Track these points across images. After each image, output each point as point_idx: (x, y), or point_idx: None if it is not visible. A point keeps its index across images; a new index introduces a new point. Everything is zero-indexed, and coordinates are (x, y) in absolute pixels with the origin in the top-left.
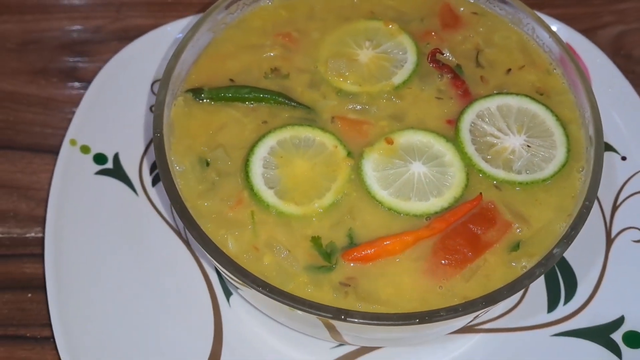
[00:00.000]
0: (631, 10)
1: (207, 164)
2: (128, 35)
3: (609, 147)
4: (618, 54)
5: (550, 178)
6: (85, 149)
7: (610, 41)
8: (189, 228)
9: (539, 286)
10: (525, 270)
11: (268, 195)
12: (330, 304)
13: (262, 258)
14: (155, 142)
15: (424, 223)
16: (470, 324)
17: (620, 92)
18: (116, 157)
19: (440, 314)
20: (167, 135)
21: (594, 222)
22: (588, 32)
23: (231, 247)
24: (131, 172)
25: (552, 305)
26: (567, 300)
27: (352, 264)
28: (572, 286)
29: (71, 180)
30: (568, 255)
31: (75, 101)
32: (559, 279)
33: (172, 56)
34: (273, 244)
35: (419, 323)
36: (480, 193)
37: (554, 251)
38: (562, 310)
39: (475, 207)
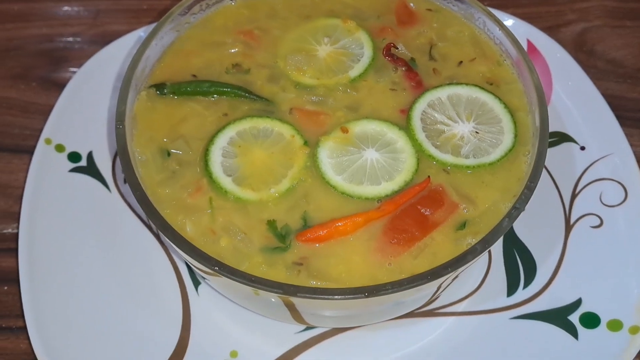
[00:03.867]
0: (593, 9)
1: (169, 154)
2: (104, 41)
3: (568, 138)
4: (581, 50)
5: (497, 162)
6: (60, 148)
7: (573, 38)
8: (147, 213)
9: (498, 271)
10: (470, 246)
11: (226, 182)
12: (284, 282)
13: (218, 241)
14: (117, 133)
15: (375, 206)
16: (431, 307)
17: (579, 85)
18: (90, 156)
19: (386, 288)
20: (130, 128)
21: (553, 209)
22: (552, 30)
23: (189, 230)
24: (104, 169)
25: (511, 289)
26: (526, 285)
27: (305, 245)
28: (531, 271)
29: (46, 177)
30: (528, 241)
31: (53, 104)
32: (519, 264)
33: (135, 53)
34: (230, 228)
35: (366, 297)
36: (428, 176)
37: (497, 228)
38: (521, 294)
39: (423, 189)
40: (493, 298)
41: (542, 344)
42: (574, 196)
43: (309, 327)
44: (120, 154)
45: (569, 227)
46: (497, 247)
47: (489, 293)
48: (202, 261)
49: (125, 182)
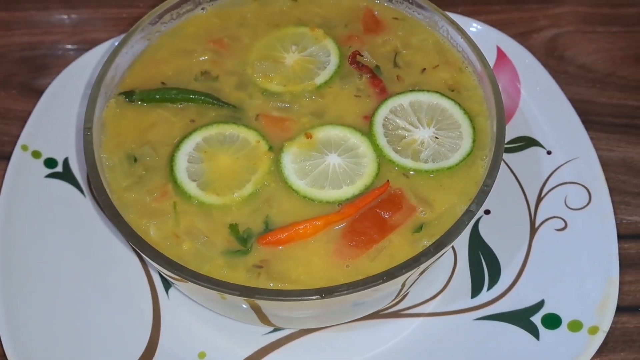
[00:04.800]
0: (565, 14)
1: (135, 159)
2: (84, 48)
3: (535, 142)
4: (551, 55)
5: (455, 166)
6: (36, 154)
7: (544, 44)
8: (110, 217)
9: (463, 273)
10: (424, 248)
11: (191, 187)
12: (243, 284)
13: (181, 244)
14: (84, 139)
15: (336, 209)
16: (396, 309)
17: (547, 91)
18: (66, 162)
19: (341, 289)
20: (99, 134)
21: (519, 212)
22: (524, 36)
23: (153, 234)
24: (80, 175)
25: (475, 291)
26: (490, 286)
27: (266, 248)
28: (495, 273)
29: (22, 183)
30: (493, 243)
31: (32, 111)
32: (483, 266)
33: (105, 62)
34: (193, 232)
35: (322, 298)
36: (388, 180)
37: (451, 230)
38: (485, 295)
39: (383, 193)
40: (458, 299)
41: (504, 344)
42: (539, 199)
43: (277, 329)
44: (86, 159)
45: (533, 230)
46: (463, 249)
47: (454, 294)
48: (163, 264)
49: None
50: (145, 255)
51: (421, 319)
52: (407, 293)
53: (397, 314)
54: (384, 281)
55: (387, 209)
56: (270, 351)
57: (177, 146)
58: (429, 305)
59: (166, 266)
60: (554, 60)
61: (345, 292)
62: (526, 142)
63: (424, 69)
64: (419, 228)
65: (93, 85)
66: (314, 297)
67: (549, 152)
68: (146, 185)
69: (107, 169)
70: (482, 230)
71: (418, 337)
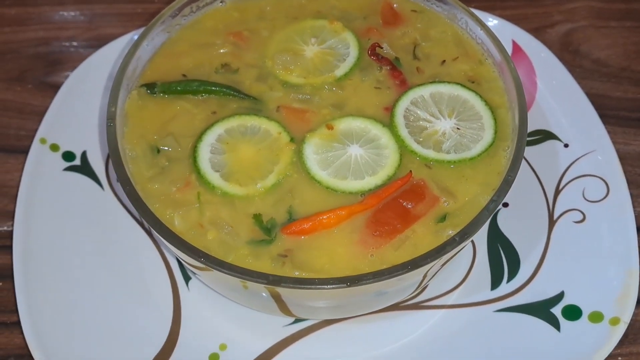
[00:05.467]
0: (579, 9)
1: (158, 150)
2: (99, 44)
3: (552, 136)
4: (566, 50)
5: (477, 157)
6: (54, 147)
7: (559, 38)
8: (136, 207)
9: (482, 265)
10: (449, 238)
11: (214, 177)
12: (268, 273)
13: (206, 234)
14: (108, 130)
15: (359, 200)
16: (417, 301)
17: (563, 85)
18: (84, 155)
19: (367, 278)
20: (121, 126)
21: (537, 205)
22: (538, 31)
23: (177, 224)
24: (98, 168)
25: (495, 283)
26: (510, 278)
27: (290, 238)
28: (515, 265)
29: (40, 176)
30: (512, 236)
31: (48, 105)
32: (503, 258)
33: (126, 54)
34: (217, 222)
35: (348, 286)
36: (410, 171)
37: (476, 220)
38: (505, 287)
39: (405, 183)
40: (478, 291)
41: (525, 336)
42: (557, 192)
43: (297, 320)
44: (111, 150)
45: (552, 222)
46: (482, 242)
47: (474, 287)
48: (189, 254)
49: (118, 180)
50: (171, 244)
51: (442, 310)
52: (427, 285)
53: (417, 306)
54: (409, 270)
55: (410, 199)
56: (291, 342)
57: (199, 137)
58: (449, 297)
59: (192, 255)
60: (568, 55)
61: (370, 280)
62: (543, 135)
63: (444, 60)
64: (443, 218)
65: (115, 77)
66: (340, 285)
67: (566, 145)
68: (169, 176)
69: (130, 160)
70: (501, 223)
71: (439, 329)
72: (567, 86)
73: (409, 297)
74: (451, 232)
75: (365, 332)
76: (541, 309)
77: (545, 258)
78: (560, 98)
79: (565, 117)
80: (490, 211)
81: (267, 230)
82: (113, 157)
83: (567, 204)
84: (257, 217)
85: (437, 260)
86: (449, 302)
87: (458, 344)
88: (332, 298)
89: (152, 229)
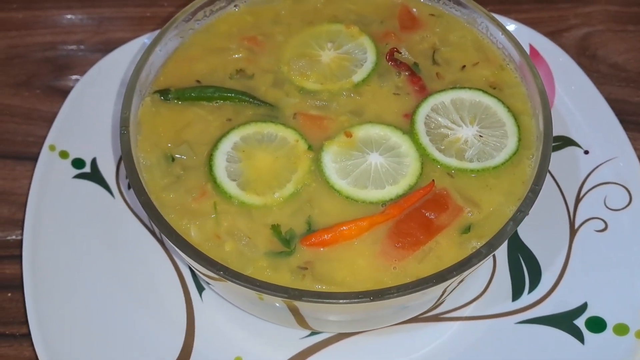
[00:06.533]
0: (596, 13)
1: (173, 159)
2: (108, 48)
3: (572, 142)
4: (583, 54)
5: (501, 165)
6: (64, 154)
7: (576, 42)
8: (152, 217)
9: (503, 276)
10: (475, 250)
11: (230, 186)
12: (288, 286)
13: (223, 245)
14: (121, 138)
15: (380, 209)
16: (436, 312)
17: (582, 89)
18: (94, 162)
19: (391, 292)
20: (134, 133)
21: (557, 213)
22: (555, 35)
23: (194, 235)
24: (108, 176)
25: (516, 294)
26: (531, 289)
27: (310, 249)
28: (536, 275)
29: (50, 183)
30: (532, 246)
31: (56, 112)
32: (524, 268)
33: (139, 59)
34: (234, 232)
35: (372, 300)
36: (433, 180)
37: (502, 231)
38: (526, 298)
39: (428, 193)
40: (498, 303)
41: (548, 348)
42: (578, 200)
43: (314, 332)
44: (125, 159)
45: (573, 231)
46: (502, 252)
47: (494, 298)
48: (207, 266)
49: (129, 188)
50: (188, 255)
51: (461, 322)
52: (446, 297)
53: (436, 318)
54: (435, 284)
55: (432, 210)
56: (307, 355)
57: (215, 145)
58: (468, 308)
59: (210, 267)
60: (585, 59)
61: (395, 294)
62: (563, 142)
63: (464, 66)
64: (467, 229)
65: (128, 83)
66: (363, 299)
67: (586, 152)
68: (184, 185)
69: (144, 169)
70: (521, 232)
71: (459, 340)
72: (586, 91)
73: (428, 308)
74: (476, 244)
75: (382, 345)
76: (564, 321)
77: (567, 268)
78: (579, 103)
79: (585, 123)
80: (517, 222)
81: (285, 241)
82: (127, 165)
83: (589, 212)
84: (275, 228)
85: (464, 273)
86: (469, 314)
87: (479, 356)
88: (354, 312)
89: (167, 239)
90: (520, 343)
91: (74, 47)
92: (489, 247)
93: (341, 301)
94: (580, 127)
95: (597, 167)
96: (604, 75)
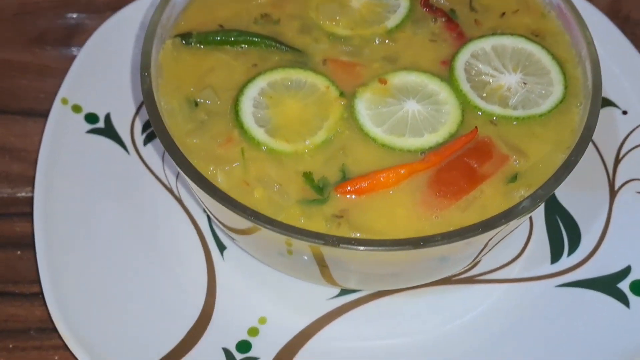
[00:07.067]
0: None
1: (196, 104)
2: (120, 5)
3: (609, 102)
4: (616, 16)
5: (547, 113)
6: (76, 108)
7: (608, 4)
8: (178, 163)
9: (540, 238)
10: (523, 199)
11: (258, 133)
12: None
13: (252, 192)
14: (142, 82)
15: (418, 158)
16: (470, 274)
17: (618, 48)
18: (107, 117)
19: (436, 239)
20: (155, 77)
21: (596, 175)
22: None
23: (221, 181)
24: (123, 131)
25: (555, 256)
26: (570, 252)
27: (345, 197)
28: (575, 238)
29: (62, 137)
30: (571, 207)
31: (68, 68)
32: (562, 231)
33: (160, 1)
34: (264, 179)
35: (416, 247)
36: (476, 127)
37: (553, 178)
38: (566, 261)
39: (470, 141)
40: (536, 266)
41: (592, 312)
42: (617, 161)
43: (341, 294)
44: (146, 101)
45: (613, 193)
46: (539, 214)
47: (532, 260)
48: (238, 212)
49: (145, 144)
50: (218, 201)
51: (498, 284)
52: (481, 258)
53: (471, 280)
54: (481, 232)
55: (476, 158)
56: (336, 316)
57: (240, 91)
58: (504, 271)
59: (242, 213)
60: (618, 21)
61: (440, 242)
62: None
63: (503, 13)
64: (514, 178)
65: (149, 24)
66: (408, 247)
67: (624, 112)
68: (209, 131)
69: (166, 113)
70: (559, 195)
71: (495, 303)
72: (624, 50)
73: (462, 270)
74: (524, 193)
75: (417, 307)
76: (607, 284)
77: (608, 230)
78: (616, 62)
79: (624, 82)
80: (569, 169)
81: (319, 189)
82: (149, 108)
83: (629, 173)
84: (307, 176)
85: (512, 222)
86: (505, 276)
87: (519, 320)
88: (392, 264)
89: (193, 187)
90: (561, 306)
91: (85, 3)
92: (540, 195)
93: (383, 248)
94: (617, 86)
95: (636, 127)
96: (638, 38)
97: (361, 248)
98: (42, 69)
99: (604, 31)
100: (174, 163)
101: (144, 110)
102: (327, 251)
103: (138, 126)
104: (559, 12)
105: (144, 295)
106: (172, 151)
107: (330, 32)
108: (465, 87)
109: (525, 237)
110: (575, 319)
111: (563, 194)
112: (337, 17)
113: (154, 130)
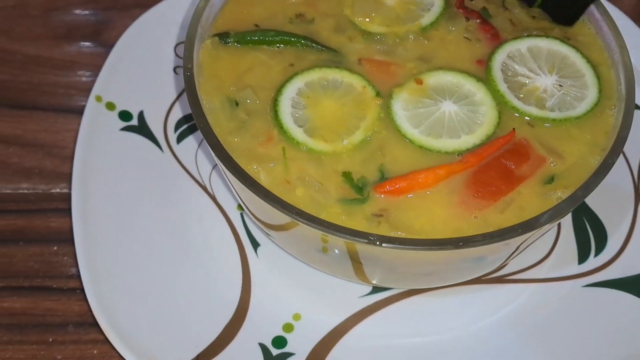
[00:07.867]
0: None
1: (237, 103)
2: (149, 3)
3: (635, 106)
4: None
5: (583, 116)
6: (110, 106)
7: (632, 7)
8: (222, 160)
9: (568, 239)
10: (560, 200)
11: (297, 132)
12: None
13: (294, 191)
14: (186, 79)
15: (455, 159)
16: (500, 274)
17: None
18: (141, 115)
19: (476, 239)
20: (196, 76)
21: (621, 178)
22: None
23: (263, 179)
24: (156, 129)
25: (582, 257)
26: (597, 253)
27: (384, 197)
28: (602, 239)
29: (97, 135)
30: (597, 209)
31: (98, 65)
32: (589, 232)
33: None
34: (305, 178)
35: (456, 247)
36: (513, 129)
37: (590, 180)
38: (593, 262)
39: (508, 142)
40: (564, 266)
41: (619, 312)
42: None
43: (373, 292)
44: (190, 100)
45: (638, 195)
46: (567, 215)
47: (559, 261)
48: (282, 209)
49: (178, 142)
50: (261, 198)
51: (526, 284)
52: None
53: (500, 280)
54: (521, 233)
55: (513, 159)
56: (369, 314)
57: (279, 90)
58: (533, 271)
59: (286, 211)
60: None
61: (480, 242)
62: None
63: (534, 16)
64: (550, 180)
65: (190, 23)
66: (448, 247)
67: None
68: (250, 130)
69: (208, 112)
70: None
71: (523, 302)
72: None
73: (493, 269)
74: (561, 194)
75: (447, 305)
76: (634, 285)
77: (634, 231)
78: None
79: None
80: (606, 171)
81: (358, 188)
82: (193, 107)
83: None
84: (347, 175)
85: (552, 222)
86: (533, 276)
87: (547, 320)
88: (430, 263)
89: (235, 183)
90: (589, 306)
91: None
92: (578, 197)
93: (425, 247)
94: None
95: None
96: None
97: (404, 247)
98: (71, 65)
99: (631, 36)
100: (219, 162)
101: (176, 108)
102: (365, 249)
103: (171, 124)
104: (591, 17)
105: (180, 290)
106: (218, 150)
107: (365, 30)
108: (502, 87)
109: (553, 239)
110: (603, 318)
111: (590, 195)
112: (372, 14)
113: (199, 128)
